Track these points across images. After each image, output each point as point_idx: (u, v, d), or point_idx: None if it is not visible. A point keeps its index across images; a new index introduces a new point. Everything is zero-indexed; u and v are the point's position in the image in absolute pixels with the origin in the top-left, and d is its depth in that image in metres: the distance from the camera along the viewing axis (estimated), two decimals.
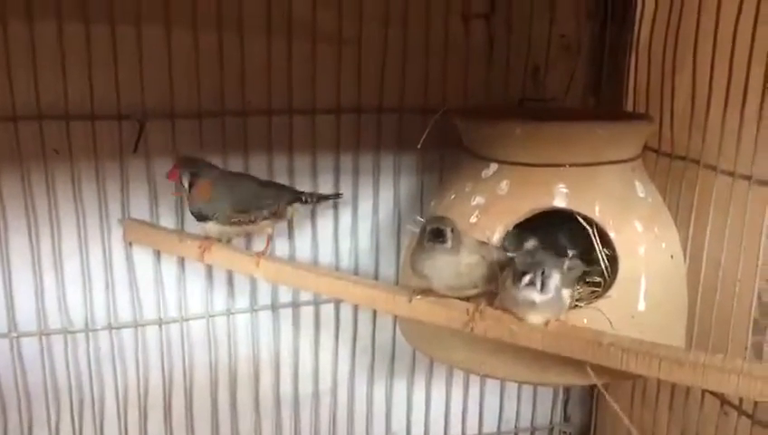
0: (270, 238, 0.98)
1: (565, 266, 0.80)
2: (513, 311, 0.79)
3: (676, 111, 0.99)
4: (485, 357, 0.88)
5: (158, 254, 1.05)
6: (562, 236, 0.90)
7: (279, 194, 0.98)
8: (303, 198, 0.99)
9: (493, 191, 0.89)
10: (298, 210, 1.01)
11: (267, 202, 0.96)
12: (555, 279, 0.76)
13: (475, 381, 1.25)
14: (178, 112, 1.00)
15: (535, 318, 0.79)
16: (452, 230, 0.79)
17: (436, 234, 0.79)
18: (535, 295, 0.76)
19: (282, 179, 1.05)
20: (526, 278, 0.76)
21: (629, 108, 1.11)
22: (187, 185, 0.92)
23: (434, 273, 0.81)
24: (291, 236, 1.11)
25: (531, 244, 0.88)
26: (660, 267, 0.88)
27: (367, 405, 1.21)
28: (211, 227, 0.95)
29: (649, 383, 1.05)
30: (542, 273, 0.76)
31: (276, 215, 0.97)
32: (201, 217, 0.94)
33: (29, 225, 0.98)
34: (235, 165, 1.04)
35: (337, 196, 1.06)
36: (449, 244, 0.79)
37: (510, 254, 0.84)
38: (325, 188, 1.10)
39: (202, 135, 1.02)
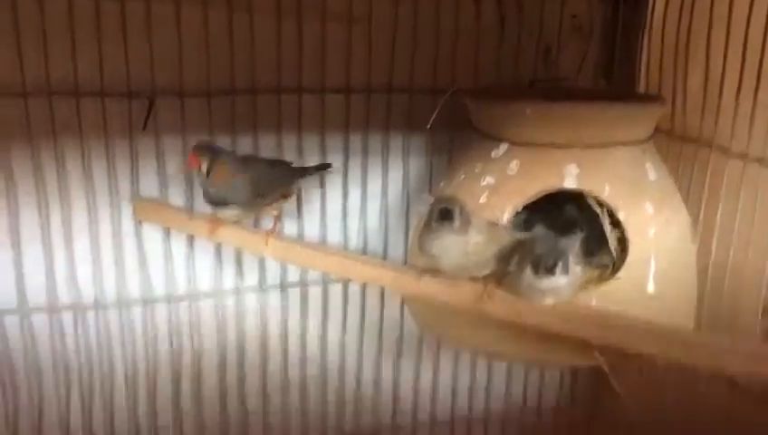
0: (278, 217, 0.99)
1: (576, 245, 0.80)
2: (523, 293, 0.79)
3: (689, 94, 0.99)
4: (493, 337, 0.88)
5: (167, 231, 1.06)
6: (572, 218, 0.90)
7: (288, 173, 0.98)
8: (309, 172, 1.00)
9: (503, 171, 0.89)
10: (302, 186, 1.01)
11: (279, 183, 0.96)
12: (573, 265, 0.76)
13: (481, 363, 1.26)
14: (188, 91, 1.00)
15: (545, 300, 0.79)
16: (460, 210, 0.79)
17: (443, 214, 0.79)
18: (560, 280, 0.76)
19: (291, 158, 1.06)
20: (558, 265, 0.75)
21: (642, 89, 1.10)
22: (205, 171, 0.92)
23: (442, 252, 0.81)
24: (300, 215, 1.11)
25: (539, 228, 0.88)
26: (670, 250, 0.88)
27: (374, 386, 1.22)
28: (229, 213, 0.94)
29: (657, 367, 1.05)
30: (554, 258, 0.76)
31: (285, 195, 0.97)
32: (220, 203, 0.93)
33: (39, 201, 0.99)
34: (245, 144, 1.04)
35: (326, 166, 1.05)
36: (457, 223, 0.79)
37: (519, 235, 0.84)
38: (334, 167, 1.09)
39: (211, 114, 1.02)
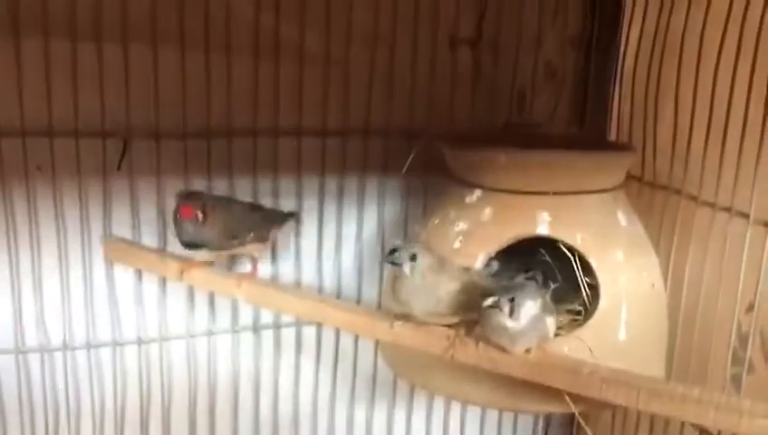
0: (256, 263, 0.99)
1: (547, 295, 0.80)
2: (492, 339, 0.80)
3: (659, 142, 1.01)
4: (466, 384, 0.88)
5: (139, 272, 1.05)
6: (545, 265, 0.91)
7: (265, 217, 0.98)
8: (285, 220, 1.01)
9: (476, 218, 0.90)
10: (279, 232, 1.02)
11: (254, 226, 0.96)
12: (528, 307, 0.77)
13: (455, 408, 1.25)
14: (163, 132, 1.00)
15: (515, 347, 0.79)
16: (413, 256, 0.80)
17: (390, 251, 0.80)
18: (507, 322, 0.77)
19: (266, 201, 1.06)
20: (489, 301, 0.76)
21: (613, 136, 1.12)
22: (201, 218, 0.91)
23: (413, 299, 0.82)
24: (274, 256, 1.11)
25: (517, 275, 0.89)
26: (641, 297, 0.89)
27: (347, 430, 1.21)
28: (199, 254, 0.95)
29: (630, 412, 1.06)
30: (512, 300, 0.76)
31: (262, 239, 0.97)
32: (194, 246, 0.93)
33: (8, 242, 0.98)
34: (220, 186, 1.04)
35: (295, 215, 1.06)
36: (406, 267, 0.79)
37: (490, 281, 0.85)
38: (310, 209, 1.10)
39: (187, 155, 1.02)
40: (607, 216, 0.90)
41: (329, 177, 1.10)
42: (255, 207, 1.00)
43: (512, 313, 0.76)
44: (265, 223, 0.98)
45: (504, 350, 0.80)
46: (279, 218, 1.00)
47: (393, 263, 0.80)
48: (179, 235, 0.93)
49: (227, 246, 0.95)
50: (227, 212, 0.94)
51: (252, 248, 0.97)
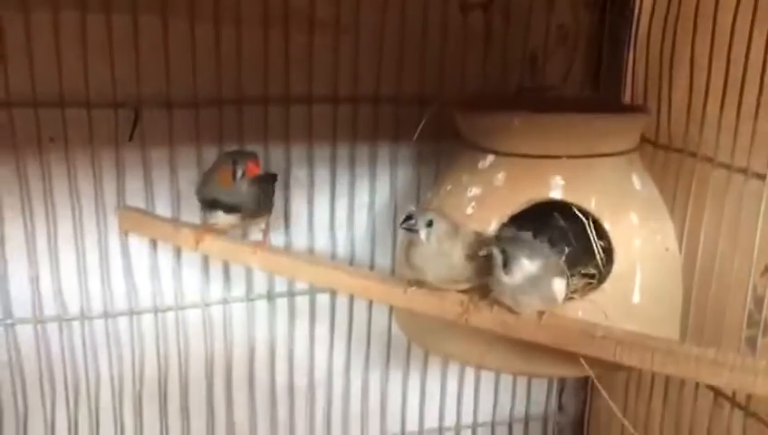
0: (267, 230, 0.99)
1: (561, 259, 0.81)
2: (499, 298, 0.80)
3: (674, 104, 1.00)
4: (480, 349, 0.89)
5: (154, 242, 1.06)
6: (559, 229, 0.91)
7: (269, 191, 0.99)
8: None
9: (489, 182, 0.90)
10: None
11: (268, 199, 0.98)
12: (524, 265, 0.77)
13: (469, 373, 1.26)
14: (175, 101, 1.00)
15: (519, 306, 0.80)
16: (429, 222, 0.80)
17: (406, 218, 0.80)
18: (501, 275, 0.77)
19: (278, 169, 1.06)
20: (483, 250, 0.77)
21: (627, 99, 1.11)
22: (240, 176, 0.91)
23: (427, 265, 0.82)
24: (287, 226, 1.12)
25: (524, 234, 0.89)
26: (655, 260, 0.89)
27: (362, 396, 1.22)
28: (218, 218, 0.94)
29: (644, 375, 1.06)
30: (503, 251, 0.77)
31: (270, 208, 0.99)
32: (230, 209, 0.93)
33: (24, 213, 0.99)
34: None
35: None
36: (422, 233, 0.80)
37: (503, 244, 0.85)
38: (322, 177, 1.11)
39: (198, 124, 1.02)
40: (621, 179, 0.90)
41: (340, 145, 1.10)
42: (269, 178, 1.01)
43: (505, 264, 0.77)
44: (272, 194, 0.99)
45: (514, 312, 0.80)
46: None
47: (410, 229, 0.80)
48: (221, 195, 0.92)
49: (257, 214, 0.96)
50: (263, 182, 0.95)
51: (264, 218, 0.98)
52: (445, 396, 1.26)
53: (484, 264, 0.81)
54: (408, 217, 0.80)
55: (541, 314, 0.81)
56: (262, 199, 0.95)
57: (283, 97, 1.05)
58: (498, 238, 0.81)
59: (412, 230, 0.80)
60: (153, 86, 0.99)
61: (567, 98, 1.14)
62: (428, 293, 0.86)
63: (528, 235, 0.81)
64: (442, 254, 0.81)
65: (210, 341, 1.12)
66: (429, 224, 0.80)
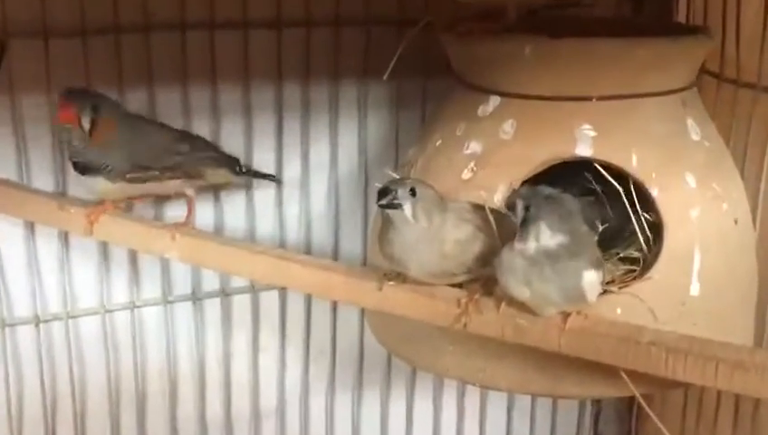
0: (192, 204, 1.00)
1: (593, 239, 0.81)
2: (514, 294, 0.80)
3: (744, 26, 1.00)
4: (485, 362, 0.89)
5: (30, 226, 1.05)
6: (590, 198, 0.92)
7: (199, 152, 1.00)
8: (237, 169, 1.03)
9: (493, 135, 0.90)
10: (226, 178, 1.03)
11: (179, 159, 0.97)
12: (542, 231, 0.77)
13: (473, 393, 1.27)
14: (54, 29, 0.99)
15: (544, 304, 0.80)
16: (413, 191, 0.79)
17: (382, 194, 0.79)
18: (531, 246, 0.77)
19: (203, 120, 1.06)
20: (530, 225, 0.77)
21: (680, 19, 1.11)
22: (87, 127, 0.92)
23: (409, 256, 0.81)
24: (217, 198, 1.11)
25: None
26: (721, 237, 0.89)
27: (326, 427, 1.23)
28: (100, 186, 0.95)
29: (707, 393, 1.07)
30: (527, 209, 0.77)
31: (191, 175, 0.98)
32: (87, 170, 0.95)
33: None
34: (136, 101, 1.04)
35: (272, 178, 1.09)
36: (408, 209, 0.79)
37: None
38: (263, 130, 1.11)
39: (87, 59, 1.01)
40: (673, 127, 0.90)
41: (287, 84, 1.10)
42: (186, 137, 1.01)
43: (524, 224, 0.77)
44: (199, 159, 0.99)
45: (529, 313, 0.81)
46: (224, 162, 1.02)
47: (392, 207, 0.79)
48: (72, 150, 0.95)
49: (136, 178, 0.95)
50: (135, 131, 0.95)
51: (174, 186, 0.98)
52: (439, 425, 1.27)
53: (488, 249, 0.81)
54: (385, 191, 0.79)
55: (565, 315, 0.81)
56: (134, 160, 0.94)
57: (205, 21, 1.04)
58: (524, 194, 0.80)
59: (394, 207, 0.79)
60: (24, 9, 0.97)
61: (597, 18, 1.14)
62: (412, 290, 0.86)
63: (567, 196, 0.81)
64: (432, 237, 0.80)
65: (114, 359, 1.12)
66: (413, 193, 0.79)
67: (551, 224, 0.77)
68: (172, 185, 0.98)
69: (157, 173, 0.96)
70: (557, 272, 0.78)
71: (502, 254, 0.79)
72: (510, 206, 0.79)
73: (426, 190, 0.80)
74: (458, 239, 0.81)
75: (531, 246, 0.77)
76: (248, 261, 0.95)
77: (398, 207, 0.79)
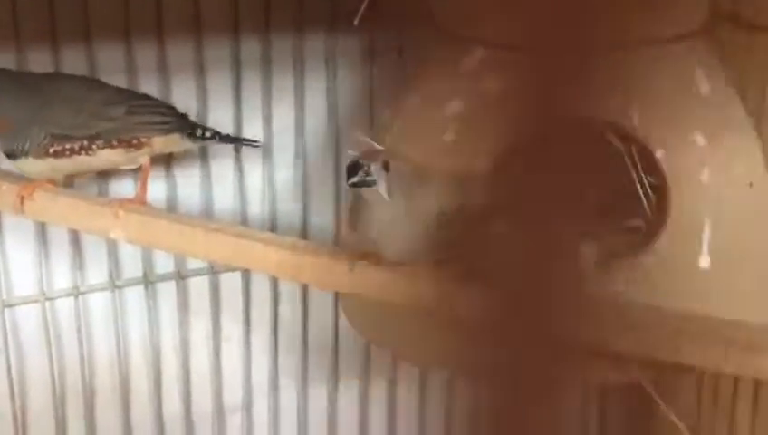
0: (146, 176, 1.00)
1: None
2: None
3: None
4: (475, 350, 0.91)
5: None
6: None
7: (140, 115, 0.98)
8: (198, 133, 1.01)
9: (479, 92, 0.91)
10: (181, 144, 1.02)
11: (110, 125, 0.97)
12: None
13: (462, 385, 1.28)
14: None
15: None
16: (386, 164, 0.79)
17: (352, 171, 0.79)
18: None
19: (150, 79, 1.07)
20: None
21: None
22: None
23: (386, 238, 0.82)
24: (169, 169, 1.12)
25: None
26: (734, 202, 0.90)
27: (299, 424, 1.25)
28: (28, 166, 0.96)
29: (723, 378, 1.09)
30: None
31: (131, 144, 0.98)
32: (11, 154, 0.95)
33: None
34: (72, 59, 1.04)
35: (252, 142, 1.07)
36: (382, 187, 0.79)
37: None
38: (217, 88, 1.11)
39: (16, 12, 1.01)
40: (679, 78, 0.91)
41: (245, 36, 1.10)
42: (124, 98, 1.00)
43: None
44: (140, 123, 0.98)
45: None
46: (175, 125, 1.00)
47: (364, 184, 0.80)
48: None
49: (60, 152, 0.96)
50: (46, 97, 0.95)
51: (112, 157, 0.98)
52: (426, 424, 1.29)
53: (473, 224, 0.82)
54: (355, 167, 0.79)
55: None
56: (42, 129, 0.94)
57: None
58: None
59: (367, 185, 0.79)
60: None
61: None
62: (389, 270, 0.86)
63: None
64: (412, 214, 0.80)
65: (57, 352, 1.13)
66: (386, 167, 0.79)
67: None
68: (107, 155, 0.98)
69: (84, 143, 0.96)
70: None
71: None
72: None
73: (401, 163, 0.81)
74: (442, 213, 0.82)
75: None
76: (204, 240, 0.95)
77: (370, 184, 0.79)
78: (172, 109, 1.02)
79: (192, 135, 1.01)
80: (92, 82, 1.00)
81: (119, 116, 0.97)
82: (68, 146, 0.96)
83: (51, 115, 0.95)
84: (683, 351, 0.79)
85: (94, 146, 0.96)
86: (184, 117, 1.02)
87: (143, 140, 0.98)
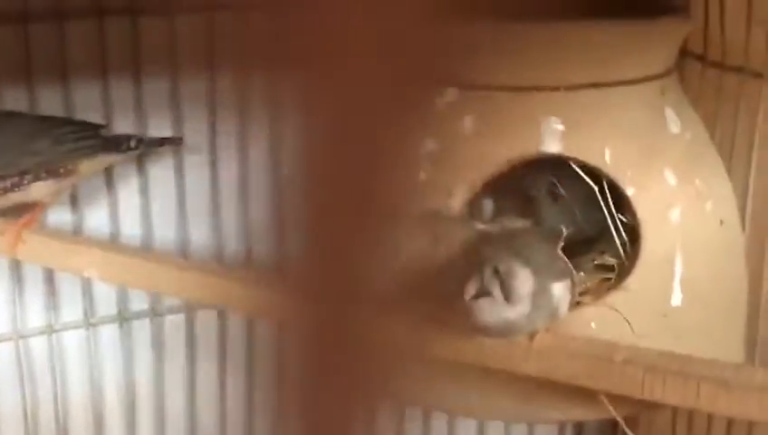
0: (40, 208, 0.99)
1: (557, 248, 0.82)
2: (472, 328, 0.81)
3: (729, 1, 1.02)
4: (451, 387, 0.91)
5: None
6: (559, 201, 0.93)
7: (65, 144, 0.97)
8: (127, 146, 1.00)
9: (451, 131, 0.91)
10: (109, 161, 1.02)
11: (37, 159, 0.96)
12: (523, 278, 0.77)
13: (440, 421, 1.28)
14: None
15: (515, 331, 0.81)
16: None
17: None
18: (504, 312, 0.78)
19: (125, 118, 1.07)
20: (471, 289, 0.76)
21: None
22: None
23: None
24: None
25: (514, 219, 0.90)
26: (705, 240, 0.91)
27: None
28: None
29: (698, 412, 1.09)
30: (496, 271, 0.77)
31: (61, 174, 0.97)
32: None
33: None
34: (47, 96, 1.04)
35: (174, 141, 1.07)
36: None
37: (480, 228, 0.87)
38: (198, 128, 1.11)
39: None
40: (650, 118, 0.92)
41: (221, 73, 1.10)
42: (45, 128, 0.98)
43: (507, 295, 0.77)
44: (67, 152, 0.97)
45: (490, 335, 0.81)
46: (100, 146, 1.00)
47: None
48: None
49: None
50: None
51: (41, 190, 0.97)
52: None
53: (448, 265, 0.82)
54: None
55: (532, 334, 0.82)
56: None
57: (125, 6, 1.04)
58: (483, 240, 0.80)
59: None
60: None
61: None
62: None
63: (520, 223, 0.82)
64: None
65: (31, 391, 1.12)
66: None
67: (523, 280, 0.77)
68: (38, 189, 0.97)
69: (15, 180, 0.95)
70: (539, 306, 0.79)
71: (476, 312, 0.79)
72: (481, 291, 0.77)
73: None
74: (412, 254, 0.82)
75: (519, 303, 0.77)
76: (179, 279, 0.95)
77: None
78: (90, 125, 1.01)
79: (117, 149, 1.00)
80: (9, 116, 0.98)
81: (45, 148, 0.96)
82: (0, 185, 0.95)
83: None
84: (654, 389, 0.80)
85: (25, 181, 0.95)
86: (99, 129, 1.01)
87: (70, 167, 0.97)
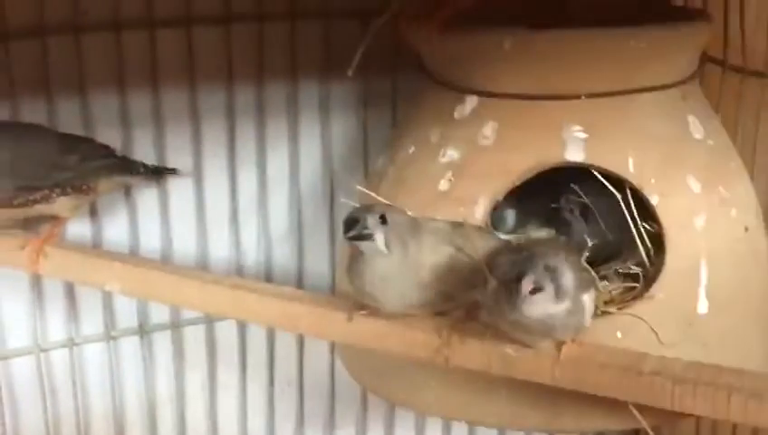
0: (59, 222, 0.99)
1: (582, 258, 0.81)
2: (502, 327, 0.80)
3: (749, 5, 1.01)
4: (471, 397, 0.90)
5: None
6: (582, 210, 0.92)
7: (90, 161, 0.98)
8: (139, 170, 1.02)
9: (472, 140, 0.90)
10: (122, 183, 1.03)
11: (67, 175, 0.96)
12: (569, 276, 0.77)
13: (459, 431, 1.28)
14: None
15: (544, 342, 0.80)
16: (382, 218, 0.79)
17: (349, 225, 0.78)
18: (546, 307, 0.76)
19: (145, 128, 1.07)
20: (526, 284, 0.75)
21: (678, 2, 1.12)
22: None
23: (383, 290, 0.81)
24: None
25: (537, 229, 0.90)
26: (730, 247, 0.90)
27: None
28: None
29: (721, 424, 1.08)
30: (547, 267, 0.76)
31: (83, 190, 0.98)
32: None
33: None
34: (66, 109, 1.04)
35: (171, 171, 1.08)
36: (380, 239, 0.79)
37: (504, 239, 0.86)
38: (212, 138, 1.11)
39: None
40: (672, 125, 0.90)
41: (239, 85, 1.10)
42: (73, 145, 0.99)
43: (557, 291, 0.76)
44: (92, 169, 0.98)
45: (518, 344, 0.81)
46: (117, 167, 1.01)
47: (362, 238, 0.79)
48: None
49: (20, 201, 0.95)
50: (13, 145, 0.94)
51: (65, 204, 0.98)
52: None
53: (468, 272, 0.81)
54: (352, 221, 0.79)
55: (559, 344, 0.81)
56: (15, 177, 0.93)
57: (144, 19, 1.04)
58: (516, 250, 0.79)
59: (364, 238, 0.79)
60: None
61: (588, 3, 1.14)
62: (386, 320, 0.86)
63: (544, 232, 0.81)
64: (408, 266, 0.80)
65: (52, 404, 1.12)
66: (383, 220, 0.79)
67: (569, 277, 0.77)
68: (62, 202, 0.97)
69: (46, 192, 0.96)
70: (575, 311, 0.78)
71: (506, 310, 0.77)
72: (537, 287, 0.75)
73: (397, 215, 0.80)
74: (436, 264, 0.81)
75: (552, 307, 0.77)
76: (199, 292, 0.94)
77: (368, 237, 0.78)
78: (107, 148, 1.02)
79: (132, 172, 1.02)
80: (39, 130, 0.99)
81: (75, 164, 0.97)
82: (31, 197, 0.95)
83: (20, 165, 0.94)
84: (684, 400, 0.79)
85: (54, 195, 0.96)
86: (114, 153, 1.02)
87: (92, 185, 0.99)
